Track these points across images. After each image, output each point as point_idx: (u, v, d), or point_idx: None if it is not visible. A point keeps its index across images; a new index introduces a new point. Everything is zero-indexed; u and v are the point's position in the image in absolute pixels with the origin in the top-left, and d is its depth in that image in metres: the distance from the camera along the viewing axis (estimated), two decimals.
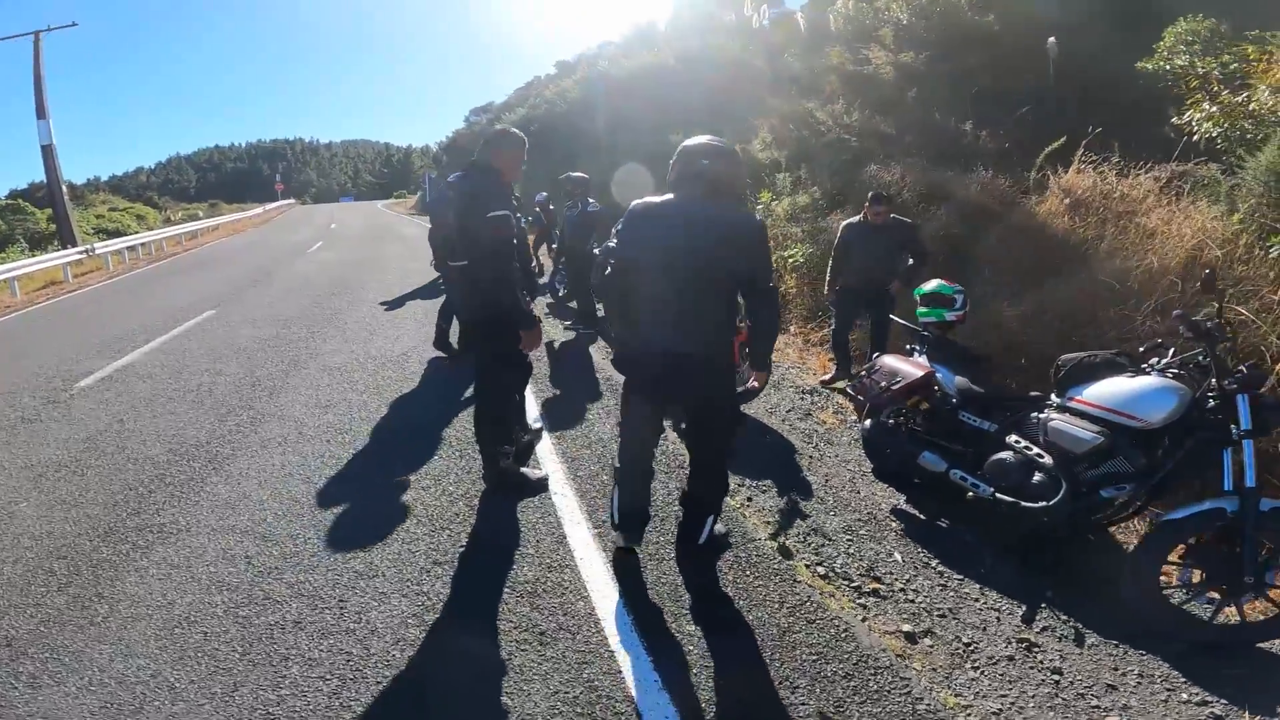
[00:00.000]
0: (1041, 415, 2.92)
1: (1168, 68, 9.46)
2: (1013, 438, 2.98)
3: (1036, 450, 2.85)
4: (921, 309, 3.85)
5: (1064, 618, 2.48)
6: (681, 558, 2.71)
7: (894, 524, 3.13)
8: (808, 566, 2.72)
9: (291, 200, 58.96)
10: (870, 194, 5.12)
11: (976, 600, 2.58)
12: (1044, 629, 2.43)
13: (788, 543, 2.89)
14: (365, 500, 3.29)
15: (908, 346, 3.83)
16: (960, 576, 2.72)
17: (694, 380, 2.43)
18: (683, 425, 3.61)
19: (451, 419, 4.31)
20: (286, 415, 4.49)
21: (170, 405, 4.80)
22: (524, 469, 3.46)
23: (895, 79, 10.95)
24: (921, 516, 3.21)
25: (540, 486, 3.36)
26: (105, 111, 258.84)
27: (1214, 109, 6.51)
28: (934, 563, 2.81)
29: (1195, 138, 6.44)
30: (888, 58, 11.11)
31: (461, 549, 2.84)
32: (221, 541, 2.91)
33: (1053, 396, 2.95)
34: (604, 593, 2.52)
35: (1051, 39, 9.30)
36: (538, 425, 4.11)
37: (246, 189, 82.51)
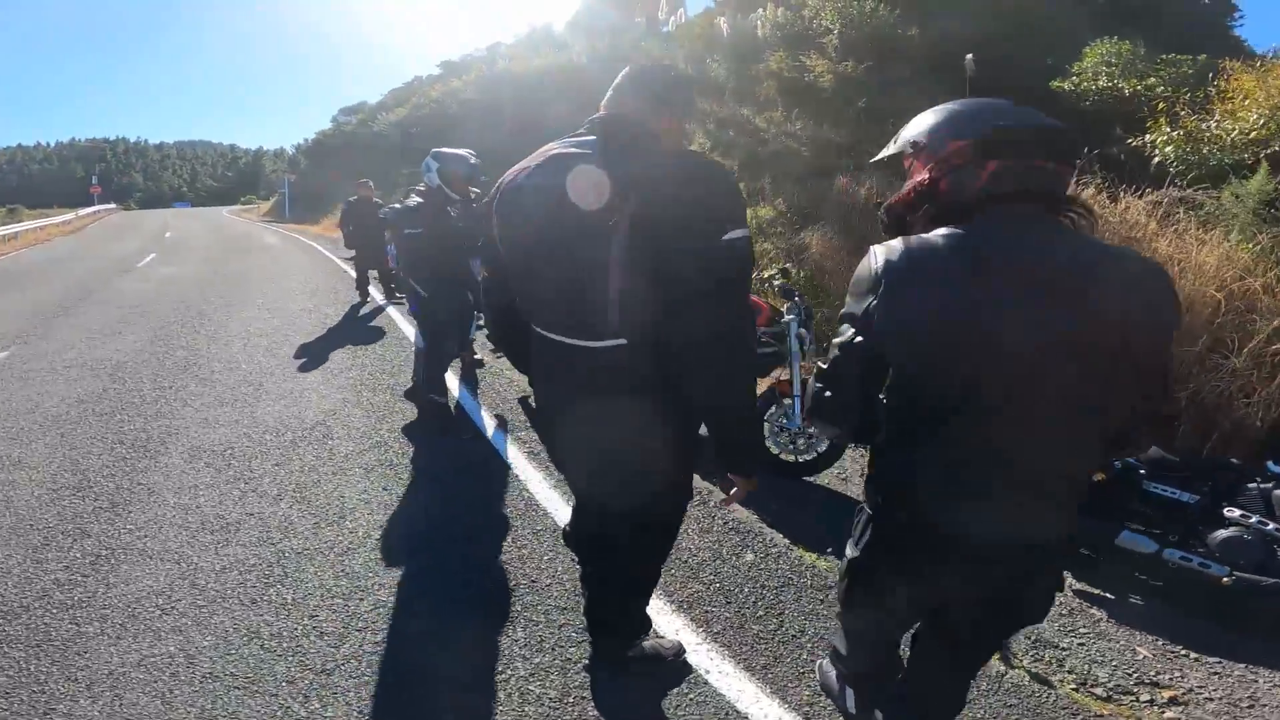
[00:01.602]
0: (1264, 485, 2.64)
1: (1094, 88, 9.69)
2: (1231, 511, 2.61)
3: (1274, 525, 2.53)
4: None
5: None
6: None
7: (1095, 612, 2.50)
8: (1075, 689, 2.11)
9: (112, 205, 51.08)
10: None
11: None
12: None
13: (1025, 662, 2.19)
14: None
15: None
16: (1220, 660, 2.29)
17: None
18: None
19: (486, 562, 2.66)
20: (137, 578, 2.49)
21: None
22: (652, 641, 2.07)
23: (835, 88, 10.43)
24: (1111, 597, 2.59)
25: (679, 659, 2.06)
26: None
27: (1175, 133, 6.45)
28: (1181, 650, 2.33)
29: (1155, 160, 6.37)
30: (828, 66, 10.57)
31: None
32: None
33: (1271, 464, 2.71)
34: None
35: (970, 55, 9.21)
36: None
37: (56, 193, 70.84)
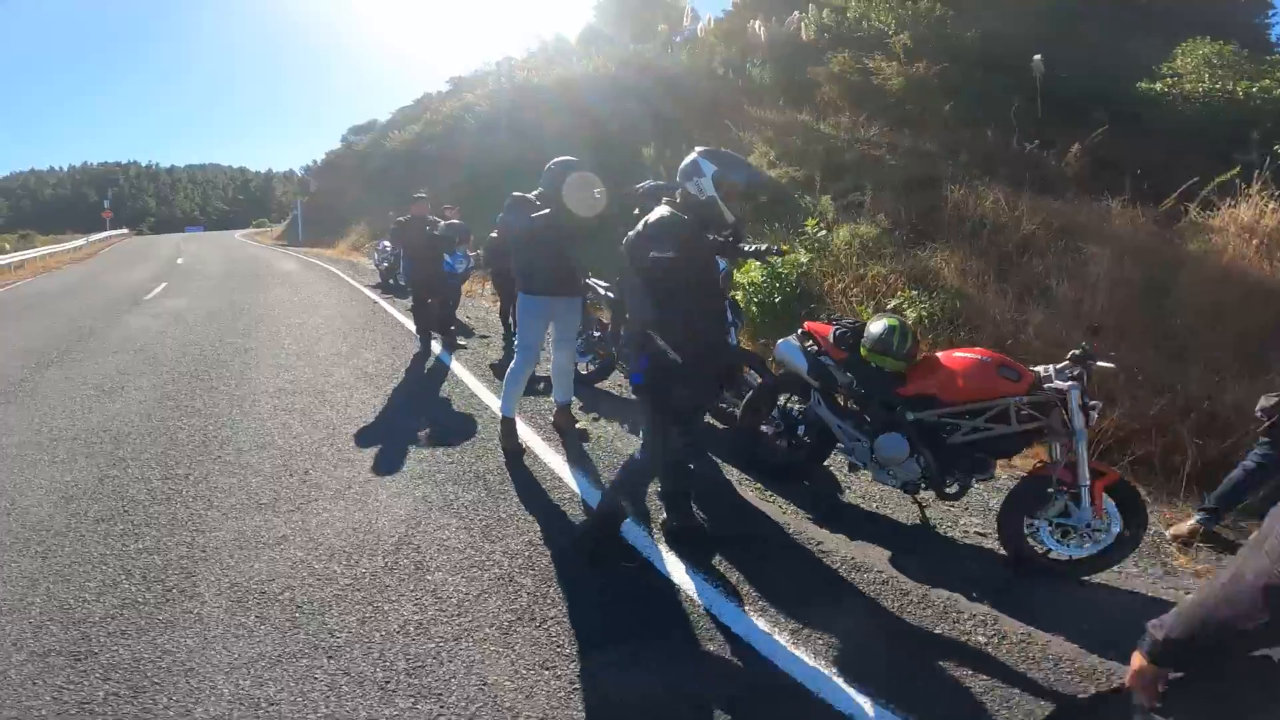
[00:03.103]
0: None
1: (1199, 90, 8.75)
2: None
3: None
4: None
5: None
6: None
7: None
8: None
9: (124, 230, 50.83)
10: None
11: None
12: None
13: None
14: None
15: None
16: None
17: None
18: None
19: None
20: None
21: None
22: None
23: (906, 91, 9.45)
24: None
25: None
26: None
27: None
28: None
29: None
30: (897, 69, 9.59)
31: None
32: None
33: None
34: None
35: (1037, 57, 8.24)
36: None
37: (68, 218, 70.89)
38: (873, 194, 6.99)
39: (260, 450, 4.14)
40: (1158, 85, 8.71)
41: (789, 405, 3.71)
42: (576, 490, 3.54)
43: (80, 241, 31.85)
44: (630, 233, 2.60)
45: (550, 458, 3.95)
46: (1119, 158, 7.08)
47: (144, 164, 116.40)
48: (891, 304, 5.61)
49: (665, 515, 3.04)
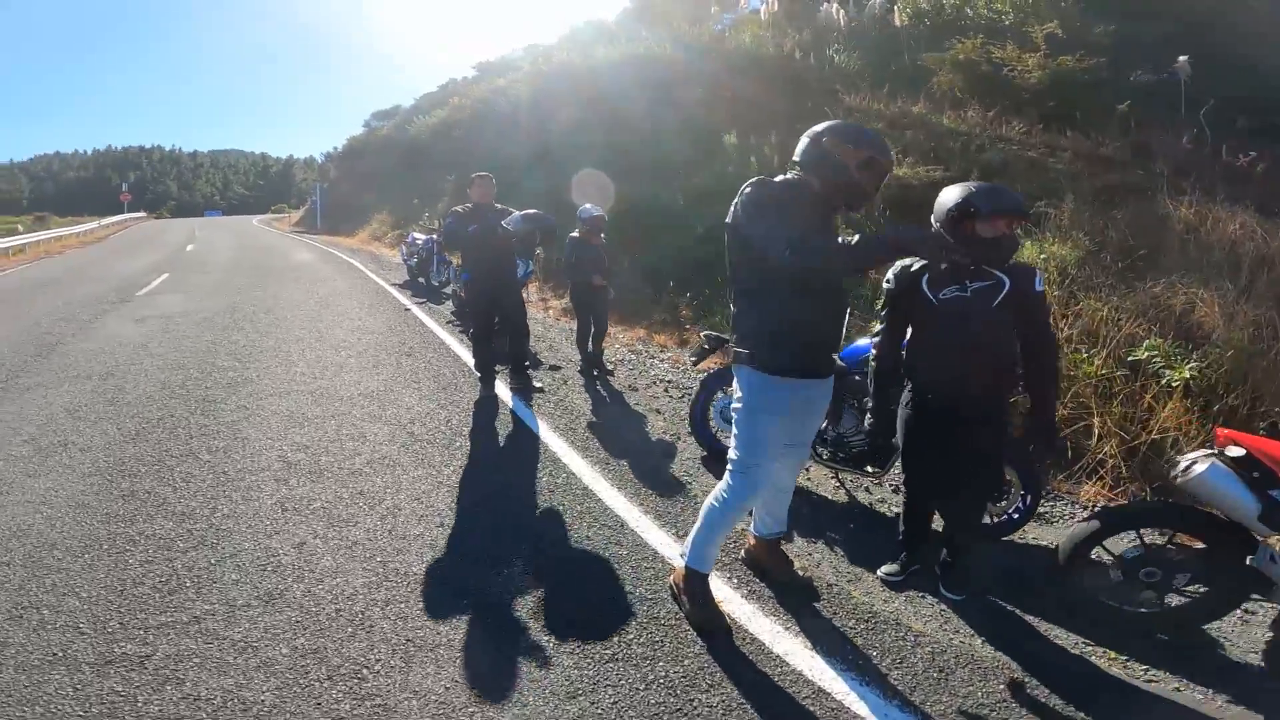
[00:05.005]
0: None
1: None
2: None
3: None
4: None
5: None
6: None
7: None
8: None
9: (142, 214, 50.15)
10: None
11: None
12: None
13: None
14: None
15: None
16: None
17: None
18: None
19: None
20: None
21: None
22: None
23: (1048, 86, 7.74)
24: None
25: None
26: None
27: None
28: None
29: None
30: (1039, 61, 7.87)
31: None
32: None
33: None
34: None
35: (1183, 58, 7.19)
36: None
37: (89, 201, 70.35)
38: (1073, 206, 5.31)
39: (262, 610, 2.49)
40: None
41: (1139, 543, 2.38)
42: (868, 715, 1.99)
43: (91, 225, 30.74)
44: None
45: (778, 637, 2.34)
46: None
47: (167, 148, 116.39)
48: (1142, 354, 3.98)
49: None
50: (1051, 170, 6.32)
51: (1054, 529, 3.21)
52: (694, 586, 2.39)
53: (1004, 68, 8.13)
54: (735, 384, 2.30)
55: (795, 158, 2.21)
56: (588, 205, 5.61)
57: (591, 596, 2.59)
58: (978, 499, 2.56)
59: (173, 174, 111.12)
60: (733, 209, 2.17)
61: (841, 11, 12.68)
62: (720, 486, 2.35)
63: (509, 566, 2.77)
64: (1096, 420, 3.76)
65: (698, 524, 2.40)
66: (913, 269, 2.45)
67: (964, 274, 2.33)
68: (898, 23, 11.15)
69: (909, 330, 2.54)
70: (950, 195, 2.28)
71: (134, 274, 13.46)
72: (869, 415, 2.69)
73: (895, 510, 3.37)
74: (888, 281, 2.52)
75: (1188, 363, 3.92)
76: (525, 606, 2.51)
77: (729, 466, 2.32)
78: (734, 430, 2.30)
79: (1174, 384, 3.97)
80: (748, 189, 2.13)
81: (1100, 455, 3.63)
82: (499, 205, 4.90)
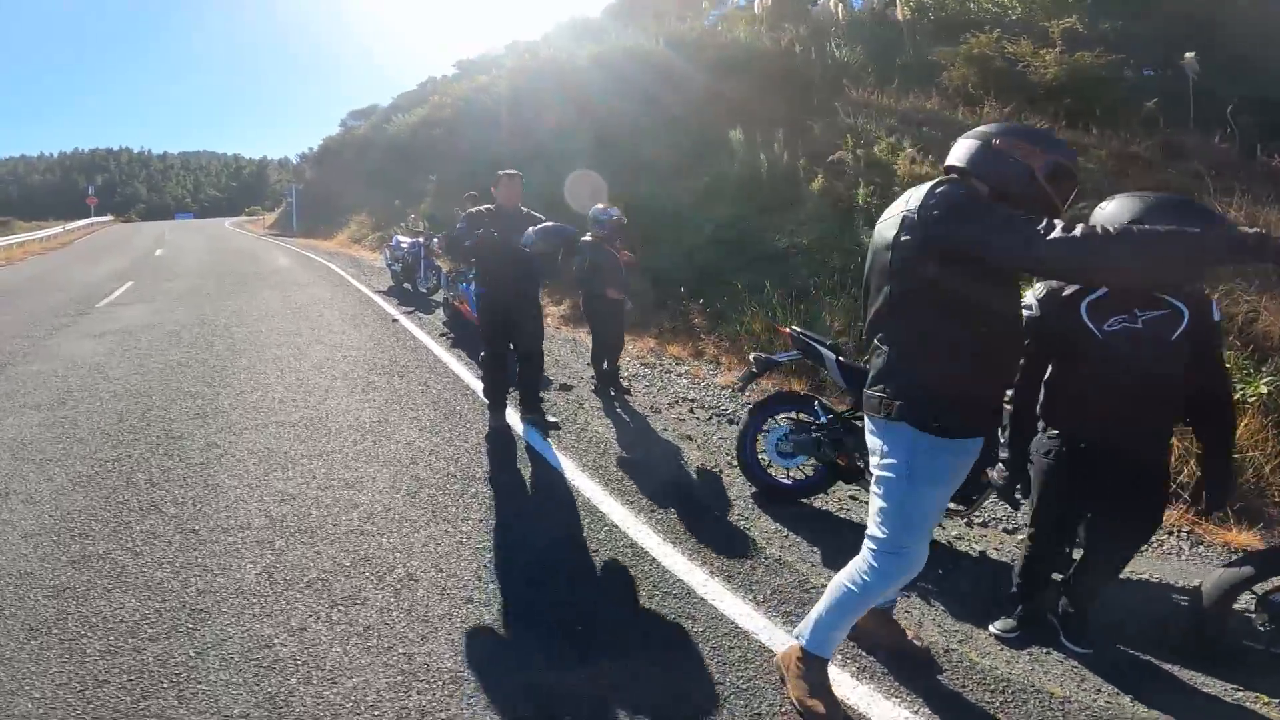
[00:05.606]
0: None
1: None
2: None
3: None
4: None
5: None
6: None
7: None
8: None
9: (109, 217, 48.52)
10: None
11: None
12: None
13: None
14: None
15: None
16: None
17: None
18: None
19: None
20: None
21: None
22: None
23: (1068, 82, 7.43)
24: None
25: None
26: None
27: None
28: None
29: None
30: (1055, 57, 7.55)
31: None
32: None
33: None
34: None
35: (1190, 54, 7.08)
36: None
37: (56, 205, 68.18)
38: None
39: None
40: None
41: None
42: None
43: (55, 230, 29.50)
44: None
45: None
46: None
47: (135, 150, 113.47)
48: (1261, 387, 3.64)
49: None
50: (1083, 170, 5.98)
51: (1146, 559, 2.85)
52: (812, 675, 1.95)
53: (1018, 63, 7.81)
54: (880, 444, 1.81)
55: (958, 163, 1.76)
56: (600, 205, 5.10)
57: (674, 691, 2.11)
58: (1130, 550, 2.23)
59: (142, 176, 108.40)
60: (900, 222, 1.69)
61: (840, 5, 12.34)
62: (859, 566, 1.89)
63: (564, 656, 2.27)
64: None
65: (825, 604, 1.96)
66: (1065, 293, 2.01)
67: (1133, 301, 1.90)
68: (900, 17, 10.82)
69: (1049, 367, 2.11)
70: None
71: (96, 281, 12.67)
72: (1000, 465, 2.25)
73: (978, 548, 2.98)
74: (1029, 308, 2.08)
75: (1262, 377, 3.60)
76: (596, 712, 2.02)
77: (871, 545, 1.87)
78: (880, 502, 1.82)
79: (1249, 400, 3.63)
80: (935, 194, 1.64)
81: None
82: (525, 209, 4.25)
